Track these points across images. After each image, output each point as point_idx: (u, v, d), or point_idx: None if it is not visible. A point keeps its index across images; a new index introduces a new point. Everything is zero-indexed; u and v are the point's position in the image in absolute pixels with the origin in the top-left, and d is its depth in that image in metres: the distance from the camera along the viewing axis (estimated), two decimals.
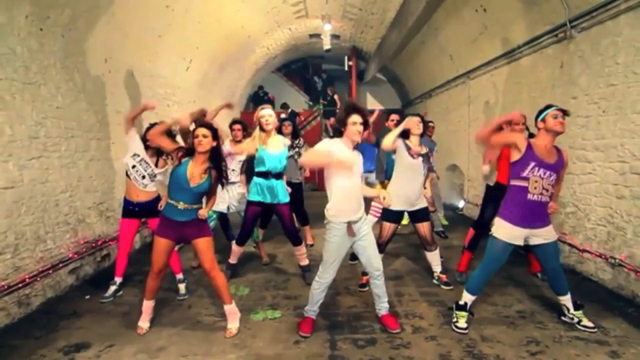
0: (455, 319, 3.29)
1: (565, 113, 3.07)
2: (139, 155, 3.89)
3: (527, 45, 5.32)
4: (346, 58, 12.36)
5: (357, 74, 12.83)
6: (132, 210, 3.93)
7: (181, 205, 3.12)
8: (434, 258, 4.18)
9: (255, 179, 4.14)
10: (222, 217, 5.00)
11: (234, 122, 4.82)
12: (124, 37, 5.23)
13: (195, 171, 3.10)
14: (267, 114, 4.00)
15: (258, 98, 12.72)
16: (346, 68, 12.58)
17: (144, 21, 5.48)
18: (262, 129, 4.03)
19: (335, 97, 12.70)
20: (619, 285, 3.87)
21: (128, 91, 5.62)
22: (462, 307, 3.27)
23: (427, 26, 7.62)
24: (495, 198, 3.58)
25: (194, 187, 3.09)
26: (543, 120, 3.10)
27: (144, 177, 3.90)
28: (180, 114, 3.53)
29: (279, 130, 5.39)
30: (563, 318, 3.36)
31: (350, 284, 4.25)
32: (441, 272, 4.21)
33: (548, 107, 3.13)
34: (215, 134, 3.15)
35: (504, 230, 3.11)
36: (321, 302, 3.29)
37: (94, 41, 4.73)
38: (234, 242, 4.43)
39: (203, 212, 3.19)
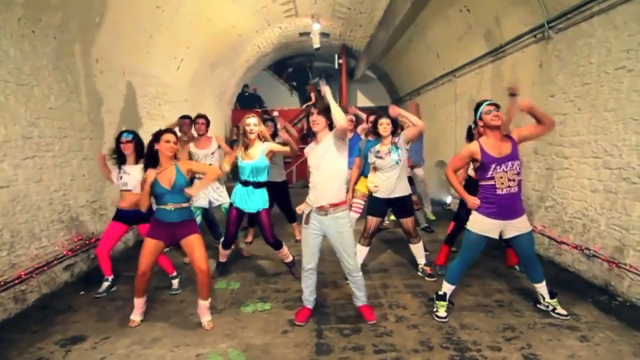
0: (435, 309, 3.45)
1: (496, 106, 3.16)
2: (121, 173, 3.99)
3: (508, 45, 5.49)
4: (336, 56, 12.49)
5: (348, 72, 12.96)
6: (123, 216, 4.02)
7: (170, 206, 3.26)
8: (418, 250, 4.35)
9: (237, 185, 4.17)
10: (206, 214, 5.10)
11: (198, 116, 4.86)
12: (115, 37, 5.31)
13: (165, 176, 3.25)
14: (252, 123, 3.94)
15: (243, 98, 12.83)
16: (336, 66, 12.71)
17: (135, 22, 5.57)
18: (245, 137, 3.97)
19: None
20: (594, 275, 4.06)
21: (120, 91, 5.71)
22: (442, 297, 3.44)
23: (414, 25, 7.77)
24: (471, 190, 3.74)
25: (171, 189, 3.24)
26: (480, 117, 3.22)
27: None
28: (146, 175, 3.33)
29: None
30: (539, 306, 3.54)
31: (337, 277, 4.39)
32: (425, 265, 4.38)
33: (480, 104, 3.24)
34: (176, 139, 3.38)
35: (478, 224, 3.27)
36: (311, 290, 3.44)
37: (85, 42, 4.81)
38: (220, 245, 4.46)
39: (189, 190, 3.29)
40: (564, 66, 4.45)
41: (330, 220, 3.21)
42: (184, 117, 5.27)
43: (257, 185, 4.09)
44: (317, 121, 3.13)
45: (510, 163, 3.13)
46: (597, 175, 4.01)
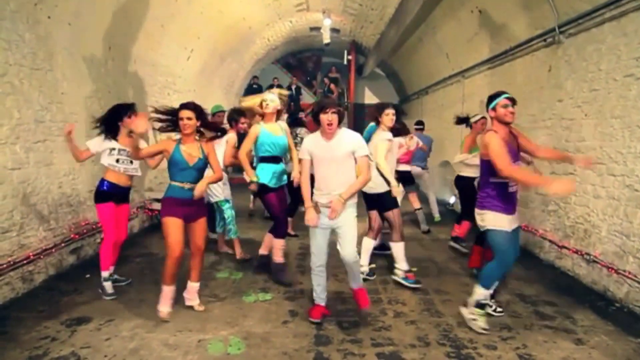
0: (474, 318, 3.24)
1: (514, 102, 3.05)
2: (114, 149, 3.72)
3: (518, 48, 5.49)
4: (346, 52, 12.50)
5: (356, 68, 12.97)
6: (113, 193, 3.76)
7: (187, 186, 3.27)
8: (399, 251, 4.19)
9: (267, 166, 4.03)
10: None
11: (239, 114, 4.67)
12: (127, 26, 5.37)
13: (189, 151, 3.27)
14: (269, 98, 3.99)
15: (251, 89, 12.87)
16: (345, 62, 12.72)
17: (148, 11, 5.61)
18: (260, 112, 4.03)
19: (332, 86, 12.96)
20: (593, 280, 4.10)
21: (130, 79, 5.77)
22: (481, 306, 3.24)
23: (425, 24, 7.79)
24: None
25: (193, 165, 3.27)
26: (494, 108, 3.10)
27: (131, 162, 3.78)
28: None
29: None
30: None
31: (339, 271, 4.42)
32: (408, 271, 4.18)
33: (498, 94, 3.11)
34: (199, 113, 3.28)
35: (500, 221, 3.12)
36: (323, 287, 3.35)
37: (99, 30, 4.88)
38: (274, 237, 4.18)
39: (198, 190, 3.25)
40: (573, 71, 4.46)
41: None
42: (217, 112, 5.19)
43: (282, 160, 4.15)
44: (334, 121, 3.00)
45: (518, 162, 3.13)
46: (601, 181, 4.03)
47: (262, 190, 4.04)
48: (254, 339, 3.07)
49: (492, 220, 3.15)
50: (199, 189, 3.26)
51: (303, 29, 11.09)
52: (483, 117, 4.91)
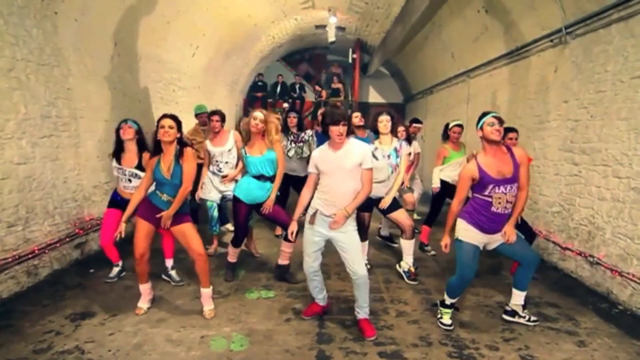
0: (440, 315, 3.36)
1: (500, 121, 3.02)
2: (115, 167, 3.87)
3: (524, 48, 5.47)
4: (350, 50, 12.46)
5: (361, 67, 12.94)
6: (122, 203, 3.80)
7: (165, 197, 3.26)
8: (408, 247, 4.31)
9: (247, 178, 4.00)
10: (219, 209, 5.07)
11: (213, 112, 4.73)
12: (133, 22, 5.38)
13: (165, 164, 3.23)
14: (259, 117, 3.82)
15: (255, 86, 12.85)
16: (350, 60, 12.69)
17: (154, 7, 5.62)
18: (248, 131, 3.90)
19: (339, 86, 12.93)
20: (596, 283, 4.08)
21: (135, 75, 5.79)
22: (447, 305, 3.33)
23: (431, 23, 7.75)
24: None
25: (171, 179, 3.22)
26: (481, 128, 3.06)
27: (129, 180, 3.86)
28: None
29: (285, 123, 5.17)
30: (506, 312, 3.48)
31: (341, 269, 4.43)
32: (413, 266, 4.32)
33: (484, 114, 3.09)
34: (179, 125, 3.27)
35: (470, 234, 3.13)
36: (319, 289, 3.30)
37: (105, 26, 4.89)
38: (229, 244, 4.19)
39: (165, 217, 3.23)
40: (579, 72, 4.44)
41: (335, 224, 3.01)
42: (199, 113, 5.27)
43: (271, 179, 3.97)
44: (344, 133, 2.93)
45: (509, 186, 3.02)
46: (606, 183, 4.01)
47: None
48: (257, 335, 3.09)
49: (461, 230, 3.17)
50: (165, 216, 3.22)
51: (308, 27, 11.06)
52: (457, 126, 5.05)
